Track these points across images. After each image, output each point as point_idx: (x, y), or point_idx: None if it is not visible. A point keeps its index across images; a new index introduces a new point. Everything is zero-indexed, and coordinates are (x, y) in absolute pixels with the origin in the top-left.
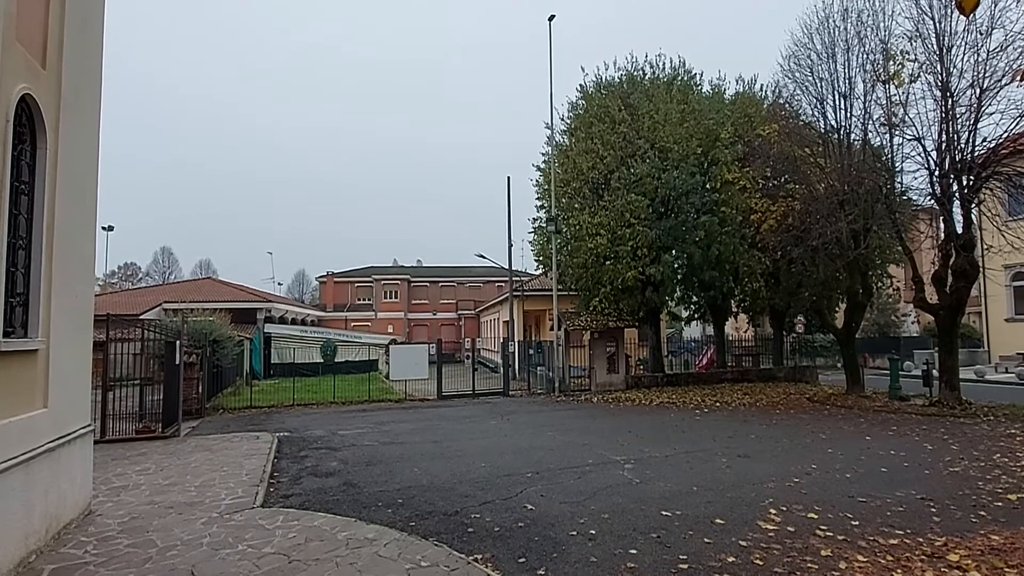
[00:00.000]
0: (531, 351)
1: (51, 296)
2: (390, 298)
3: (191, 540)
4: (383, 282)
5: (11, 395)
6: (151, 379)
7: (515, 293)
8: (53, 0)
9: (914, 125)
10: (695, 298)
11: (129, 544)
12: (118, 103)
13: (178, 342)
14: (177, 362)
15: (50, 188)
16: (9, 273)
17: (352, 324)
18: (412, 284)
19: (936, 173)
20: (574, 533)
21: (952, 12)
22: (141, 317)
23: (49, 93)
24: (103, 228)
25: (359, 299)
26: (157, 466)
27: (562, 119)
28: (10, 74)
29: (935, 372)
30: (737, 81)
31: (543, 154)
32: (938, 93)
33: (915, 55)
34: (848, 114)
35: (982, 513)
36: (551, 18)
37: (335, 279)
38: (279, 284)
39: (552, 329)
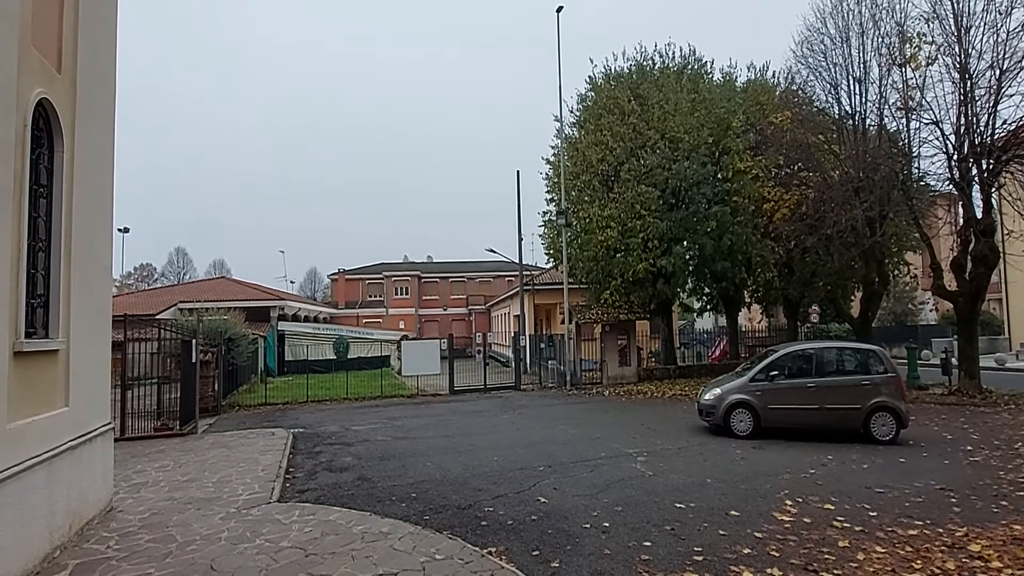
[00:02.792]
0: (542, 345)
1: (70, 297)
2: (401, 294)
3: (210, 535)
4: (394, 279)
5: (33, 394)
6: (168, 378)
7: (525, 287)
8: (67, 5)
9: (931, 109)
10: (707, 289)
11: (150, 539)
12: (131, 105)
13: (194, 341)
14: (193, 360)
15: (67, 191)
16: (29, 275)
17: (364, 321)
18: (422, 280)
19: (955, 157)
20: (587, 526)
21: None
22: (157, 317)
23: (65, 97)
24: (119, 230)
25: (370, 296)
26: (175, 463)
27: (571, 111)
28: (27, 79)
29: (954, 360)
30: (749, 68)
31: (552, 147)
32: (956, 75)
33: (932, 37)
34: (863, 99)
35: (1004, 503)
36: (559, 9)
37: (346, 276)
38: (291, 282)
39: (563, 323)
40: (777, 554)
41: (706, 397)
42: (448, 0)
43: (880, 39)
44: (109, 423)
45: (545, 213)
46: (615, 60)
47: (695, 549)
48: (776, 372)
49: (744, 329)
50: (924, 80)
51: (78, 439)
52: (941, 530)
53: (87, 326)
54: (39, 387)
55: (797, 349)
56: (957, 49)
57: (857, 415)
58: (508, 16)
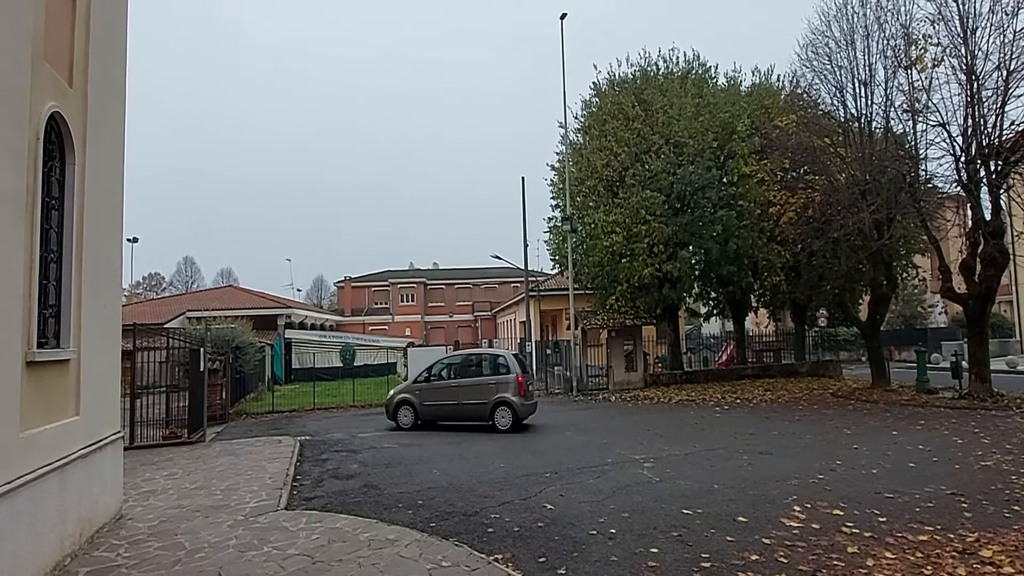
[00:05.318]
0: (548, 351)
1: (81, 307)
2: (407, 301)
3: (218, 542)
4: (399, 286)
5: (45, 403)
6: (177, 386)
7: (531, 293)
8: (79, 20)
9: (938, 111)
10: (713, 294)
11: (159, 547)
12: (133, 113)
13: (202, 349)
14: (201, 369)
15: (79, 202)
16: (41, 286)
17: (370, 328)
18: (428, 287)
19: (962, 159)
20: (594, 532)
21: None
22: (166, 326)
23: (76, 110)
24: (128, 240)
25: (376, 303)
26: (184, 471)
27: (576, 117)
28: (39, 93)
29: (964, 364)
30: (753, 72)
31: (557, 153)
32: (963, 77)
33: (938, 38)
34: (869, 102)
35: (1016, 508)
36: (563, 16)
37: (352, 284)
38: (298, 290)
39: (569, 328)
40: (785, 560)
41: (387, 397)
42: (448, 3)
43: (885, 41)
44: (119, 431)
45: (550, 219)
46: (619, 66)
47: (702, 556)
48: (431, 375)
49: (752, 334)
50: (930, 82)
51: (89, 447)
52: (952, 535)
53: (98, 335)
54: (51, 396)
55: (450, 356)
56: (963, 50)
57: (484, 408)
58: (508, 19)
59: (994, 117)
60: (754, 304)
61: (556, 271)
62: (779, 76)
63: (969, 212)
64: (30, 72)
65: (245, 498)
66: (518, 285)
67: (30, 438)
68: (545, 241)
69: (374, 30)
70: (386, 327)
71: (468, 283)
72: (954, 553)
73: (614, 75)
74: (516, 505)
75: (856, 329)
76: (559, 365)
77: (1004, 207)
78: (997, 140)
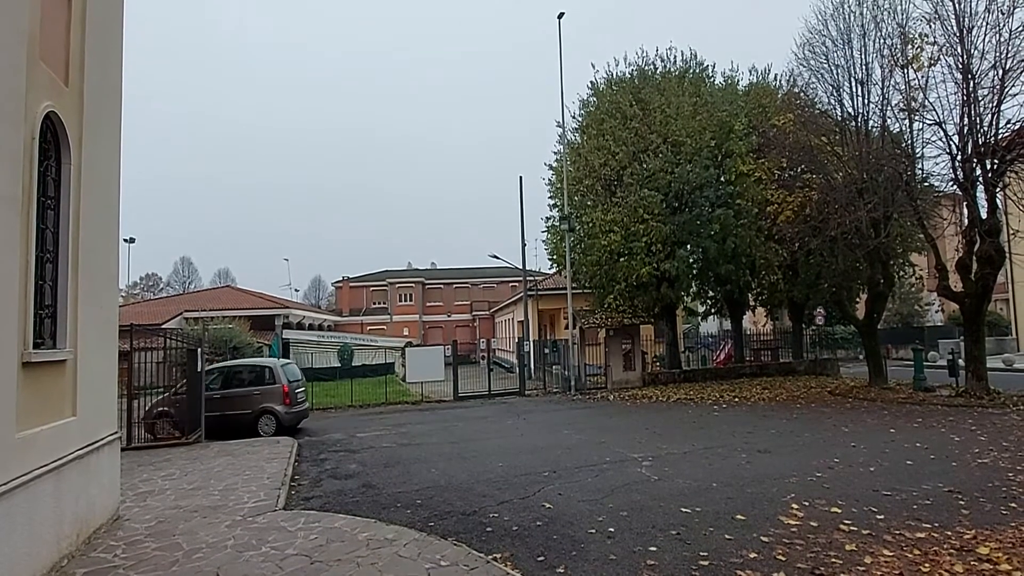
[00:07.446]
0: (546, 350)
1: (78, 307)
2: (405, 301)
3: (216, 543)
4: (397, 286)
5: (42, 404)
6: (174, 387)
7: (529, 293)
8: (74, 19)
9: (934, 109)
10: (711, 292)
11: (156, 548)
12: (131, 114)
13: (199, 350)
14: (199, 369)
15: (75, 202)
16: (37, 286)
17: (368, 328)
18: (426, 287)
19: (958, 157)
20: (593, 531)
21: None
22: (163, 326)
23: (72, 110)
24: (125, 240)
25: (374, 303)
26: (181, 471)
27: (573, 117)
28: (35, 92)
29: (961, 362)
30: (751, 72)
31: (555, 153)
32: (959, 76)
33: (934, 37)
34: (865, 101)
35: (1013, 505)
36: (560, 16)
37: (350, 284)
38: (296, 290)
39: (567, 328)
40: (784, 558)
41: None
42: (447, 3)
43: (882, 40)
44: (116, 432)
45: (548, 218)
46: (616, 65)
47: (701, 554)
48: None
49: (749, 332)
50: (926, 81)
51: (86, 448)
52: (949, 533)
53: (94, 336)
54: (47, 397)
55: (216, 367)
56: (959, 50)
57: (249, 417)
58: (508, 19)
59: (990, 116)
60: (752, 303)
61: (554, 270)
62: (776, 75)
63: (965, 211)
64: (25, 71)
65: (243, 498)
66: (516, 285)
67: (26, 439)
68: (543, 240)
69: (373, 29)
70: (384, 327)
71: (466, 283)
72: (952, 550)
73: (611, 74)
74: (515, 504)
75: (853, 327)
76: (557, 364)
77: (1000, 205)
78: (993, 139)
